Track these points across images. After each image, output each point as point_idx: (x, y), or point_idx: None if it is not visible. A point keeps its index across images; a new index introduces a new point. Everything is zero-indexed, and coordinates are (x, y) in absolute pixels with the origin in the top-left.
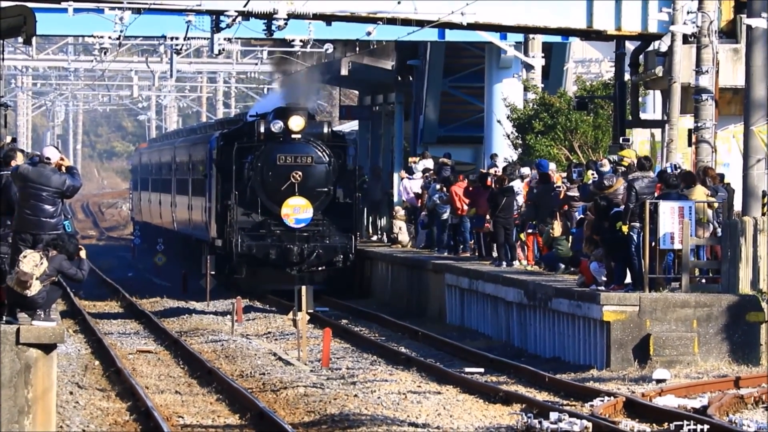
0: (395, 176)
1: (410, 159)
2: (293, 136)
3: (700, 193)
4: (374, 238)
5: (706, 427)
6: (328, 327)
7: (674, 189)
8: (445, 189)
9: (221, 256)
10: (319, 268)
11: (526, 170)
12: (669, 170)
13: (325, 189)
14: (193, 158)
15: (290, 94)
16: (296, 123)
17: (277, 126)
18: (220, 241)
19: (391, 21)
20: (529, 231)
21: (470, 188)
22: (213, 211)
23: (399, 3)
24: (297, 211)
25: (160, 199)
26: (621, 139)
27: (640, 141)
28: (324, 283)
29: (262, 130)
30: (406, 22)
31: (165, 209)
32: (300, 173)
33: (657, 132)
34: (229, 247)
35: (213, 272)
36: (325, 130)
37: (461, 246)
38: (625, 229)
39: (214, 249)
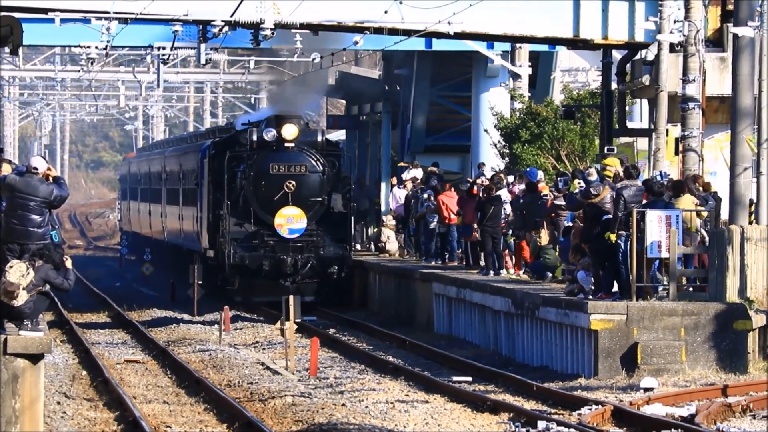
0: (383, 185)
1: (399, 164)
2: (286, 144)
3: (687, 201)
4: (357, 246)
5: None
6: (315, 336)
7: (659, 197)
8: (432, 198)
9: (213, 267)
10: (314, 280)
11: (510, 178)
12: (658, 177)
13: (320, 198)
14: (184, 167)
15: (281, 102)
16: (289, 131)
17: (270, 134)
18: (212, 251)
19: (378, 30)
20: (515, 239)
21: (463, 197)
22: (205, 221)
23: (386, 12)
24: (290, 221)
25: (150, 209)
26: (606, 148)
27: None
28: (318, 295)
29: (254, 138)
30: (393, 32)
31: (155, 219)
32: (293, 182)
33: (641, 141)
34: (221, 258)
35: (200, 282)
36: (319, 138)
37: (448, 255)
38: (613, 237)
39: (206, 260)
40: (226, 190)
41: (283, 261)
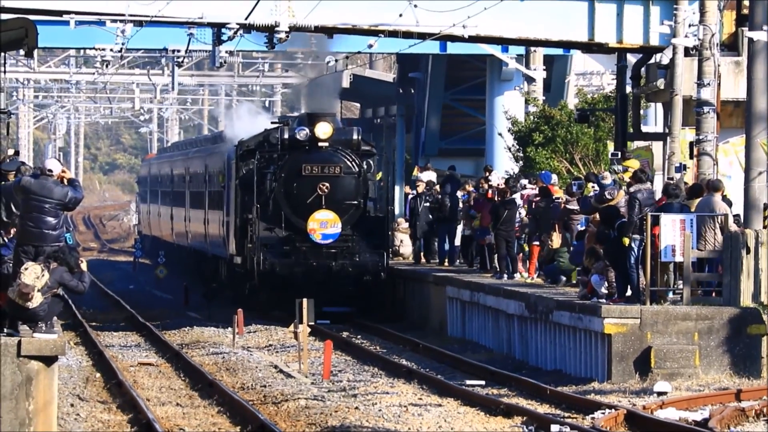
0: (396, 189)
1: (415, 172)
2: (320, 144)
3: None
4: None
5: None
6: (329, 339)
7: (675, 199)
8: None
9: (240, 275)
10: (348, 288)
11: (524, 181)
12: (675, 170)
13: (355, 202)
14: (209, 169)
15: (309, 102)
16: (323, 130)
17: (302, 133)
18: (239, 258)
19: (393, 34)
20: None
21: (479, 200)
22: (232, 226)
23: (401, 16)
24: (324, 225)
25: (172, 213)
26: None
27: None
28: (354, 305)
29: (285, 137)
30: (407, 35)
31: (177, 223)
32: (327, 185)
33: (656, 145)
34: (250, 265)
35: (215, 285)
36: (355, 137)
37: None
38: (626, 241)
39: (233, 267)
40: (256, 193)
41: (315, 268)
